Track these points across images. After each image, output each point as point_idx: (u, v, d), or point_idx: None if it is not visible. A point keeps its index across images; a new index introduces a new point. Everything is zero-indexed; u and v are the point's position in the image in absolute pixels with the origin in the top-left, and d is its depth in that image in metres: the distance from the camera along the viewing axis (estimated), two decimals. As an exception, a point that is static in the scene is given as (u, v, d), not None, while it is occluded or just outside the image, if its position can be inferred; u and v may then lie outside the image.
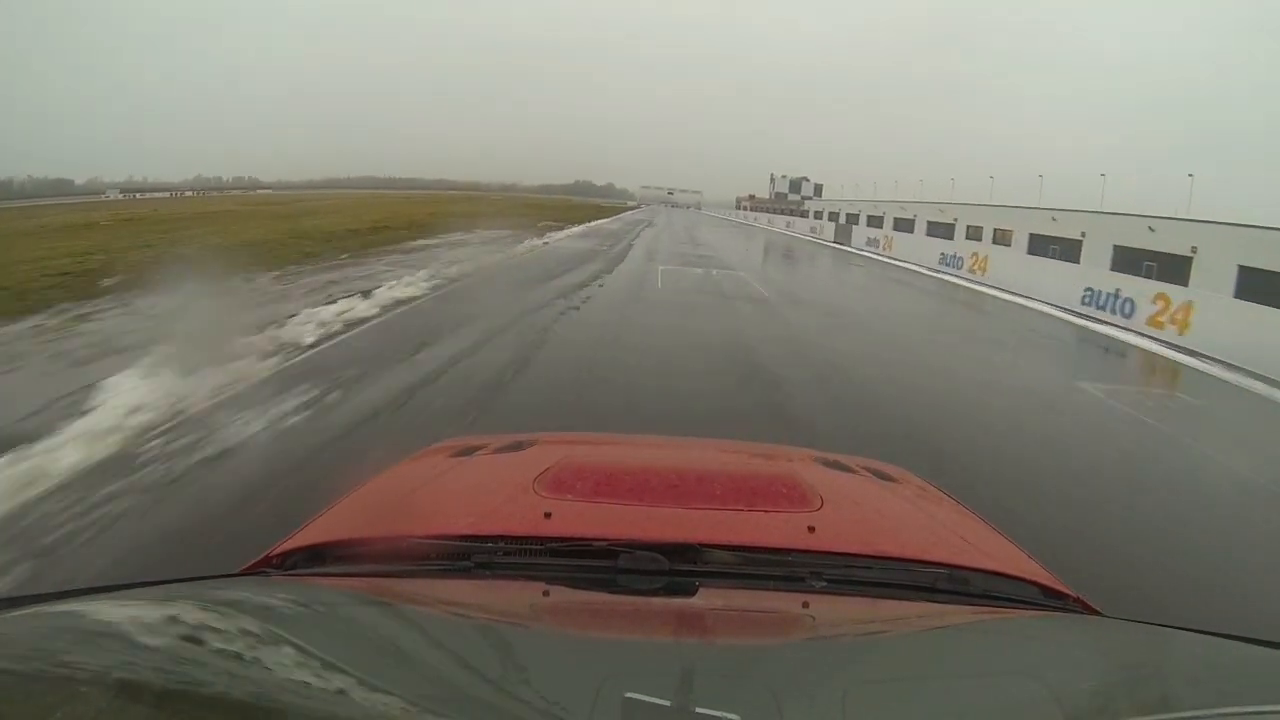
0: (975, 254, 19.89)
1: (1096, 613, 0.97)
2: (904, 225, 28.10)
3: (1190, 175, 17.03)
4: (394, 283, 10.22)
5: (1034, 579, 0.99)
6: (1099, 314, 12.83)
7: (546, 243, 21.05)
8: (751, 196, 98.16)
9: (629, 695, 0.62)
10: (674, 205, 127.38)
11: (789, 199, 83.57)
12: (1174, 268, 13.49)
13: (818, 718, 0.64)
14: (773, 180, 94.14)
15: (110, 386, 4.69)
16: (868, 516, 1.17)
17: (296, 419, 4.49)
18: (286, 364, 5.88)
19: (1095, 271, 14.62)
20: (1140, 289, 12.20)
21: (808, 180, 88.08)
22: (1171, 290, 11.54)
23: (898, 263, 23.06)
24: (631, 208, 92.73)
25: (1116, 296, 12.60)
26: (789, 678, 0.70)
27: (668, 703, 0.60)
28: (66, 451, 3.69)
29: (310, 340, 6.73)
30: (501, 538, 0.95)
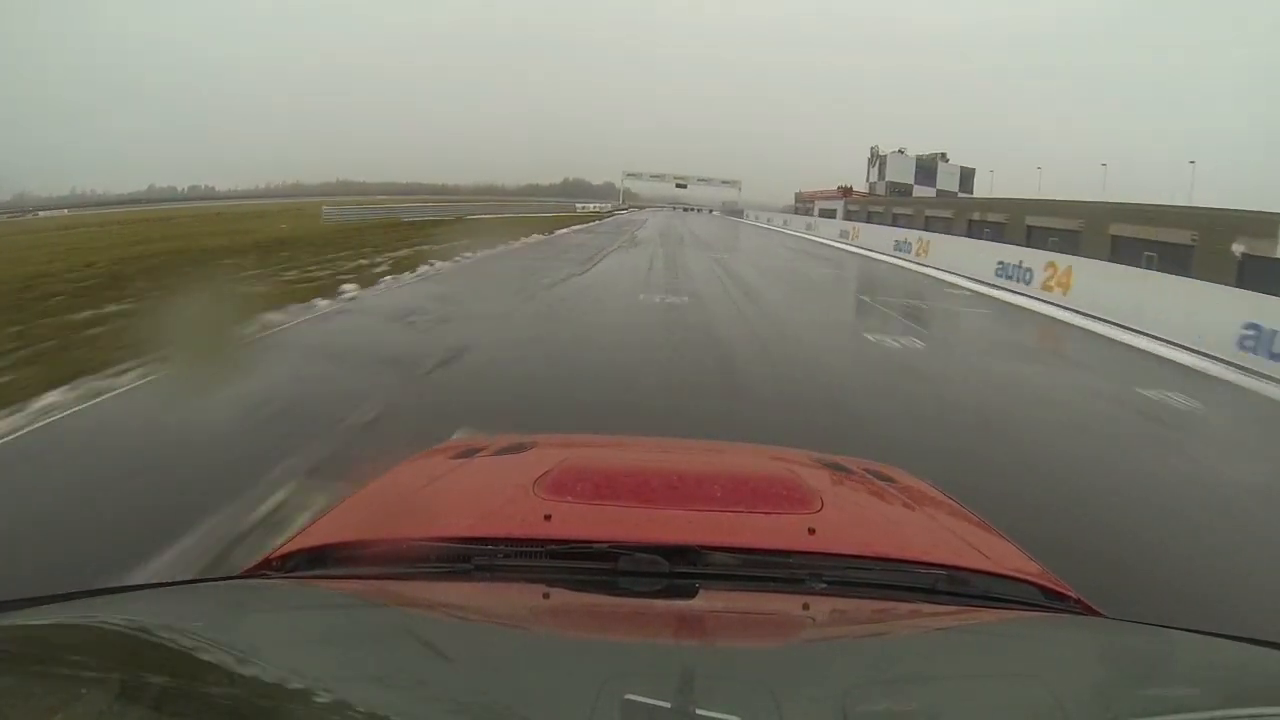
0: None
1: (1097, 613, 0.97)
2: None
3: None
4: None
5: (1034, 580, 0.99)
6: None
7: None
8: (848, 191, 52.59)
9: (629, 697, 0.62)
10: (685, 209, 79.41)
11: (914, 194, 45.67)
12: None
13: (818, 719, 0.64)
14: (876, 160, 50.89)
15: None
16: (868, 518, 1.17)
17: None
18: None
19: None
20: None
21: (945, 158, 48.86)
22: None
23: None
24: (597, 216, 47.15)
25: None
26: (789, 679, 0.70)
27: (668, 705, 0.60)
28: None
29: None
30: (501, 540, 0.95)
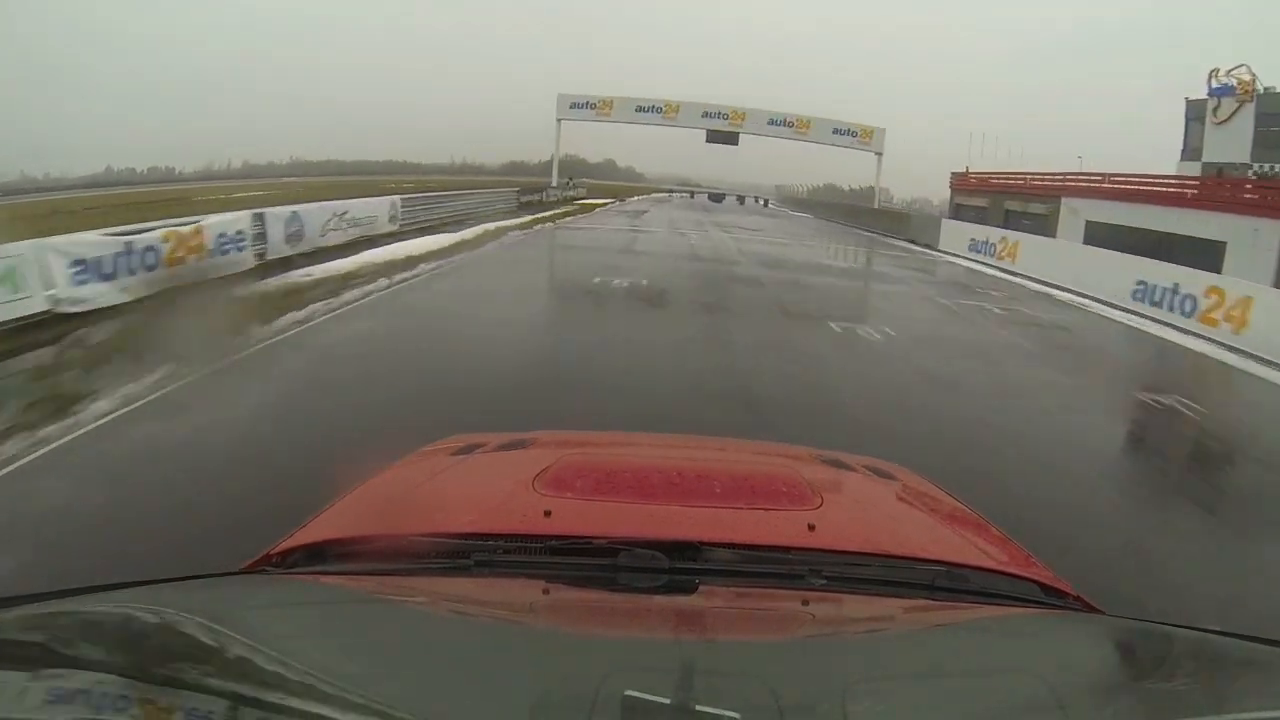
0: None
1: (1097, 611, 0.97)
2: None
3: None
4: None
5: (1034, 577, 0.99)
6: None
7: None
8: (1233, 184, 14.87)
9: (629, 693, 0.62)
10: (713, 197, 50.80)
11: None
12: None
13: (817, 716, 0.64)
14: (1250, 100, 17.79)
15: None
16: (867, 514, 1.17)
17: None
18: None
19: None
20: None
21: None
22: None
23: None
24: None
25: None
26: (788, 676, 0.70)
27: (667, 701, 0.60)
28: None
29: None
30: (501, 536, 0.95)
